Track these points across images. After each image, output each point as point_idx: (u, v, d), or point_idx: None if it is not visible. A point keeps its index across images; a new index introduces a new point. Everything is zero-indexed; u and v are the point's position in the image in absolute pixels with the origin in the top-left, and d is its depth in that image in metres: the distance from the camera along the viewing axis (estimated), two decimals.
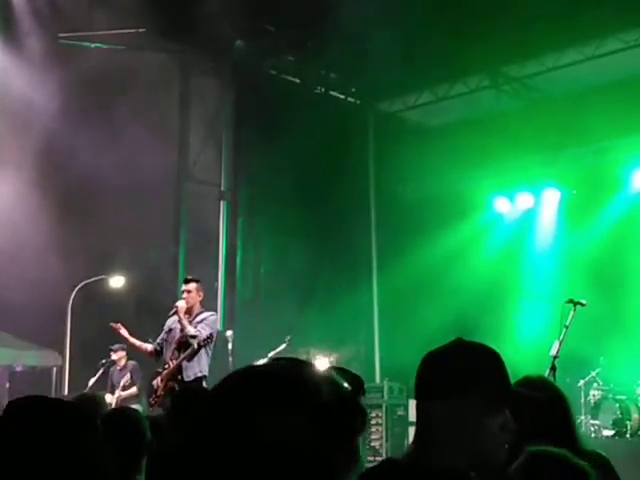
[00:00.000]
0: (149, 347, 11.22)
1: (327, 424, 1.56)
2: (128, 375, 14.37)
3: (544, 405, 3.81)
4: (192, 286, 11.01)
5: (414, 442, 2.73)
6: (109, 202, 15.65)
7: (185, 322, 10.65)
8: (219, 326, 11.24)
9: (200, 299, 11.05)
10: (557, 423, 3.81)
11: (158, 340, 11.13)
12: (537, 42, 16.21)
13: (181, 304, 10.85)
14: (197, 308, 10.98)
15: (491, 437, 2.61)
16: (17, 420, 2.23)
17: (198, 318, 10.83)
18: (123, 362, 14.53)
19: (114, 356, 14.53)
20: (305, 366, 1.66)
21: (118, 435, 4.59)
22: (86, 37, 16.21)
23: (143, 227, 15.70)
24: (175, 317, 10.95)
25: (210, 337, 10.71)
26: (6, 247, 14.65)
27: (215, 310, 17.43)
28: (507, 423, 2.63)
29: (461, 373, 2.63)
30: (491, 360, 2.71)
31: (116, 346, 14.45)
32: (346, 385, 1.65)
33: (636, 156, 16.54)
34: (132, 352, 14.36)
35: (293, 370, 1.62)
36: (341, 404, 1.60)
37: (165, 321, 11.22)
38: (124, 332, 11.58)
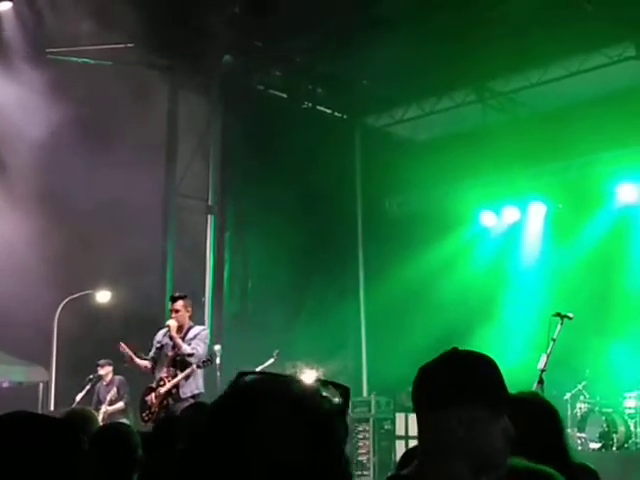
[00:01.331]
0: (149, 365, 11.19)
1: (320, 436, 1.58)
2: (114, 390, 14.32)
3: (536, 419, 3.86)
4: (180, 304, 11.00)
5: (419, 455, 2.74)
6: (96, 216, 15.62)
7: (179, 341, 10.64)
8: (207, 342, 11.19)
9: (189, 314, 11.04)
10: (548, 437, 3.85)
11: (151, 355, 11.11)
12: (522, 57, 16.35)
13: (172, 323, 10.83)
14: (187, 323, 10.97)
15: (496, 442, 2.66)
16: (1, 436, 2.23)
17: (190, 334, 10.83)
18: (110, 377, 14.49)
19: (101, 371, 14.49)
20: (294, 380, 1.68)
21: (109, 451, 4.60)
22: (74, 52, 16.22)
23: (130, 241, 15.67)
24: (164, 330, 10.94)
25: (209, 359, 10.77)
26: None
27: (202, 324, 17.48)
28: (507, 427, 2.68)
29: (462, 382, 2.67)
30: (489, 367, 2.75)
31: (102, 361, 14.42)
32: (332, 396, 1.67)
33: (621, 170, 16.65)
34: (119, 367, 14.35)
35: (285, 385, 1.64)
36: (332, 416, 1.62)
37: (154, 336, 11.20)
38: (129, 352, 11.52)
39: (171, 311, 10.99)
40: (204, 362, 10.65)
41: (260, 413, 1.59)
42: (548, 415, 4.04)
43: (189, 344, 10.66)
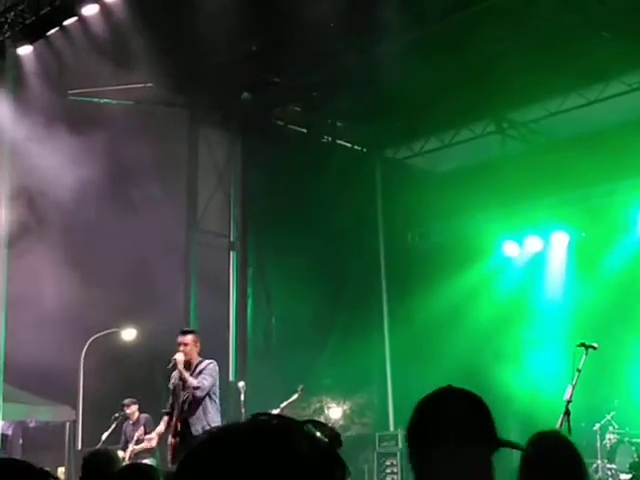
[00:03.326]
0: (163, 424, 11.17)
1: (306, 477, 1.55)
2: (141, 429, 14.30)
3: (558, 472, 3.89)
4: (189, 338, 10.90)
5: None
6: (119, 254, 15.71)
7: (186, 375, 10.57)
8: (216, 375, 11.09)
9: (198, 350, 10.96)
10: (569, 475, 3.84)
11: (167, 407, 11.04)
12: (541, 87, 16.37)
13: (179, 357, 10.72)
14: (196, 359, 10.88)
15: (487, 477, 2.73)
16: None
17: (198, 369, 10.77)
18: (136, 416, 14.48)
19: (127, 410, 14.49)
20: (280, 421, 1.63)
21: None
22: (95, 93, 16.41)
23: (154, 279, 15.75)
24: (176, 373, 10.87)
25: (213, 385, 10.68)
26: (19, 303, 14.72)
27: (226, 361, 17.49)
28: (492, 464, 2.76)
29: (458, 420, 2.74)
30: (481, 406, 2.82)
31: (127, 400, 14.41)
32: (322, 437, 1.65)
33: None
34: (145, 405, 14.35)
35: (268, 426, 1.62)
36: (319, 456, 1.59)
37: (168, 381, 11.12)
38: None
39: (179, 344, 10.89)
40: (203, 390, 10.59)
41: (242, 456, 1.55)
42: (570, 464, 4.04)
43: (196, 378, 10.61)
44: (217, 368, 10.86)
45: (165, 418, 10.99)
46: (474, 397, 2.83)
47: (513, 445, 2.80)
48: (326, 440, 1.64)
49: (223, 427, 1.64)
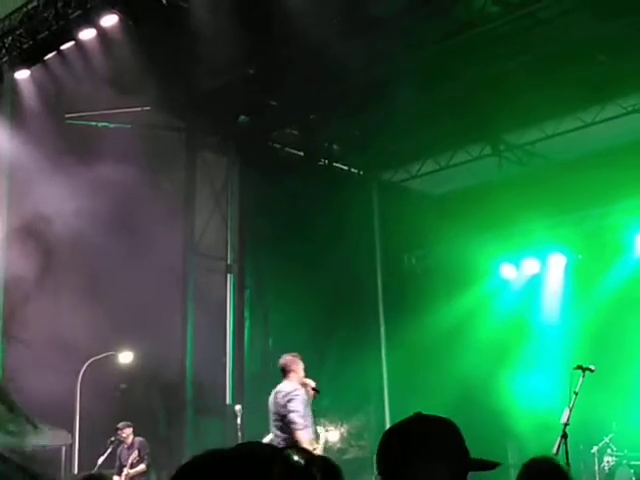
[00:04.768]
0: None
1: None
2: (136, 452, 14.27)
3: None
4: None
5: None
6: (116, 277, 15.70)
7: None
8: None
9: None
10: None
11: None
12: (537, 109, 16.41)
13: None
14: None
15: None
16: None
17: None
18: (130, 439, 14.44)
19: (121, 434, 14.45)
20: (261, 447, 1.71)
21: None
22: (92, 117, 16.45)
23: (151, 302, 15.72)
24: None
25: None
26: (15, 324, 14.71)
27: (224, 384, 17.48)
28: None
29: (424, 445, 2.75)
30: (450, 430, 2.83)
31: (122, 424, 14.38)
32: (300, 461, 1.71)
33: (639, 219, 16.59)
34: (142, 428, 14.32)
35: (249, 451, 1.67)
36: (295, 478, 1.65)
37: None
38: None
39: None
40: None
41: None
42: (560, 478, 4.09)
43: None
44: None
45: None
46: (444, 423, 2.86)
47: (484, 464, 2.81)
48: (303, 463, 1.70)
49: (207, 452, 1.68)
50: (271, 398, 10.06)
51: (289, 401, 9.62)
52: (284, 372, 10.05)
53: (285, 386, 9.89)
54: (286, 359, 10.31)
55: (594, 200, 16.33)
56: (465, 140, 18.32)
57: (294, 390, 9.71)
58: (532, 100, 16.02)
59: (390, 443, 2.83)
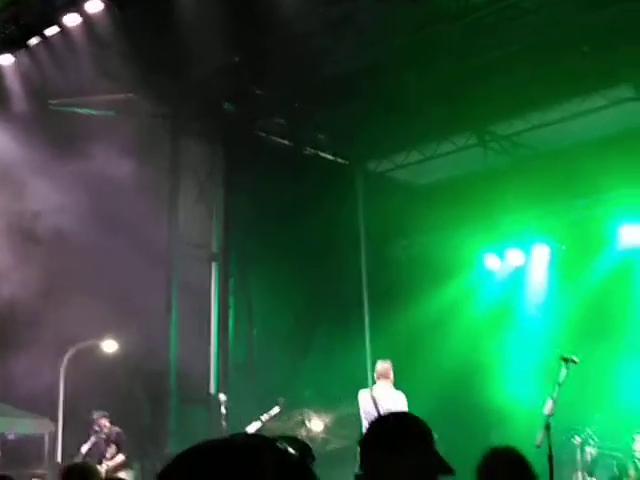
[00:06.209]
0: None
1: None
2: (113, 446, 14.23)
3: (510, 473, 4.18)
4: None
5: None
6: (100, 266, 15.64)
7: None
8: None
9: None
10: None
11: None
12: (523, 100, 16.41)
13: None
14: None
15: None
16: None
17: None
18: (107, 430, 14.37)
19: (98, 424, 14.38)
20: (252, 437, 1.69)
21: None
22: (76, 103, 16.35)
23: (135, 290, 15.67)
24: None
25: None
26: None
27: (207, 373, 17.47)
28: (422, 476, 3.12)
29: (403, 440, 3.14)
30: (426, 431, 3.20)
31: (96, 414, 14.32)
32: (294, 451, 1.67)
33: (623, 211, 16.64)
34: (125, 417, 14.29)
35: (240, 442, 1.63)
36: (289, 470, 1.61)
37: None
38: None
39: None
40: None
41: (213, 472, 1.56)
42: (521, 469, 4.27)
43: None
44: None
45: None
46: (417, 420, 3.23)
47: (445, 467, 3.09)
48: (297, 454, 1.67)
49: (197, 445, 1.64)
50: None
51: None
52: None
53: None
54: None
55: (579, 191, 16.38)
56: (450, 130, 18.30)
57: None
58: (517, 91, 16.02)
59: (370, 438, 3.19)
